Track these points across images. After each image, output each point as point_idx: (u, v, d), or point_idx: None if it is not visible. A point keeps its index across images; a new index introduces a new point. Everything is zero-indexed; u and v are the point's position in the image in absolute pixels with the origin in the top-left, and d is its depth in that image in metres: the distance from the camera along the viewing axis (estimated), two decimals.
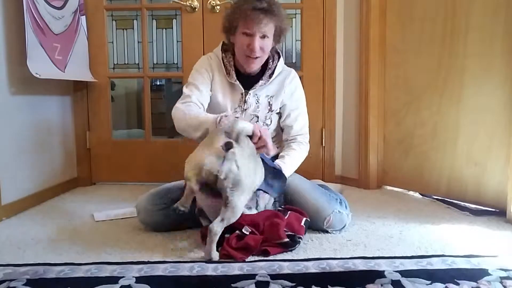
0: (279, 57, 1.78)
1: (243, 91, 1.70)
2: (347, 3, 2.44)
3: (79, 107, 2.50)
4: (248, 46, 1.61)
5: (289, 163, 1.66)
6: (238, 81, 1.70)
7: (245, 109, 1.72)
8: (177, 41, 3.20)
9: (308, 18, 2.48)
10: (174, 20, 3.22)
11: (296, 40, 3.10)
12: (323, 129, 2.53)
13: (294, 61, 3.20)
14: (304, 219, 1.51)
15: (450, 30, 1.98)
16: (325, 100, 2.51)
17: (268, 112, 1.74)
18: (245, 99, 1.71)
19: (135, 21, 3.03)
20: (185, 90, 1.70)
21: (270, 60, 1.75)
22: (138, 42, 2.85)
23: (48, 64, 2.05)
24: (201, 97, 1.67)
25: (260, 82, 1.71)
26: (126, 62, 3.14)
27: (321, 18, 2.47)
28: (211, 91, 1.72)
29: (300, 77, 2.52)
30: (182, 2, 2.43)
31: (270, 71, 1.73)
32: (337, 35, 2.48)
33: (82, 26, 2.36)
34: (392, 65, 2.28)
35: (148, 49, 2.56)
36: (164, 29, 3.35)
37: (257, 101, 1.72)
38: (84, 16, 2.39)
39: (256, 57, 1.64)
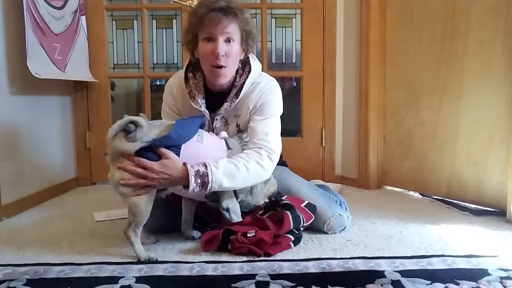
0: (249, 71, 1.53)
1: (209, 118, 1.55)
2: (347, 3, 2.44)
3: (79, 107, 2.50)
4: (213, 52, 1.42)
5: (222, 167, 1.34)
6: (204, 106, 1.53)
7: (216, 134, 1.57)
8: (177, 41, 3.19)
9: (308, 18, 2.49)
10: (174, 20, 3.21)
11: (296, 40, 3.10)
12: (323, 129, 2.53)
13: (294, 61, 3.20)
14: (306, 201, 1.51)
15: (450, 30, 1.98)
16: (325, 100, 2.51)
17: (238, 133, 1.58)
18: (213, 126, 1.56)
19: (135, 21, 3.02)
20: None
21: (237, 76, 1.55)
22: (138, 42, 2.84)
23: (48, 64, 2.05)
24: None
25: (225, 104, 1.51)
26: (126, 62, 3.14)
27: (321, 18, 2.47)
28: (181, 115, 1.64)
29: (300, 77, 2.56)
30: (182, 2, 2.43)
31: (235, 90, 1.52)
32: (337, 35, 2.48)
33: (82, 26, 2.37)
34: (392, 65, 2.28)
35: (148, 49, 2.57)
36: (164, 29, 3.34)
37: (226, 123, 1.57)
38: (84, 16, 2.39)
39: (221, 66, 1.44)
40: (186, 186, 1.31)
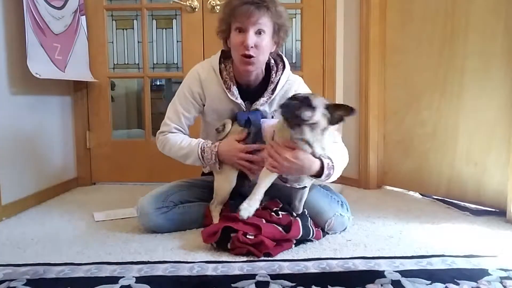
0: (284, 67, 1.62)
1: (245, 110, 1.59)
2: (347, 3, 2.44)
3: (79, 107, 2.50)
4: (242, 43, 1.47)
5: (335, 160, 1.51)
6: (240, 98, 1.57)
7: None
8: (177, 41, 3.20)
9: (308, 18, 2.48)
10: (174, 20, 3.22)
11: (296, 40, 3.10)
12: None
13: (294, 61, 3.20)
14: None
15: (450, 30, 1.98)
16: None
17: None
18: None
19: (135, 21, 3.03)
20: (168, 114, 1.63)
21: (273, 72, 1.61)
22: (138, 42, 2.85)
23: (48, 64, 2.05)
24: (181, 124, 1.62)
25: (262, 100, 1.57)
26: (126, 62, 3.14)
27: (321, 18, 2.47)
28: (203, 112, 1.66)
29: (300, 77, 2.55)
30: (182, 2, 2.43)
31: (273, 85, 1.59)
32: (337, 35, 2.48)
33: (82, 26, 2.36)
34: (392, 65, 2.28)
35: (148, 49, 2.57)
36: (164, 29, 3.35)
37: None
38: (84, 16, 2.39)
39: (251, 56, 1.48)
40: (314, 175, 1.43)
